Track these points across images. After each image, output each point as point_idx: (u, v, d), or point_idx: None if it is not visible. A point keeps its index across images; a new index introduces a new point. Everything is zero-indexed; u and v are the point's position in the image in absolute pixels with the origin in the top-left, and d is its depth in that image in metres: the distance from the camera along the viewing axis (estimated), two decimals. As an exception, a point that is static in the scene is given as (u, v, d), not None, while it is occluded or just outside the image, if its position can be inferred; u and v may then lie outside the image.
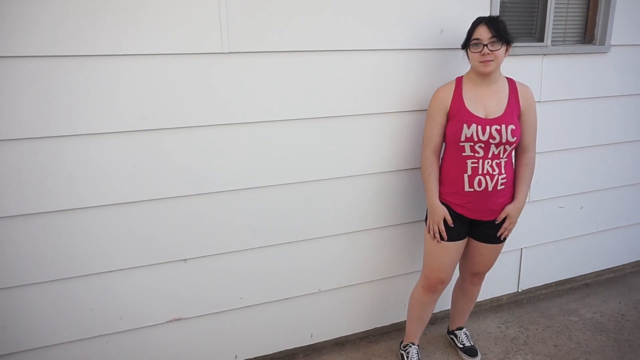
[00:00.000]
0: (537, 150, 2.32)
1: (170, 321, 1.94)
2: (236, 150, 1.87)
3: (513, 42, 1.83)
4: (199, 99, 1.76)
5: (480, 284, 2.12)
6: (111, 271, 1.81)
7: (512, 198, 1.91)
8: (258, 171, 1.92)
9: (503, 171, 1.83)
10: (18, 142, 1.58)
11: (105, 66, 1.61)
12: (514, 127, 1.78)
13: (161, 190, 1.79)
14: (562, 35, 2.45)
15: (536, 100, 2.30)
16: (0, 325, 1.71)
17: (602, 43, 2.42)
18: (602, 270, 2.93)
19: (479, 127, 1.78)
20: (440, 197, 1.92)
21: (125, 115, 1.68)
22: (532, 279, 2.71)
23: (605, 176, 2.68)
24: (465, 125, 1.79)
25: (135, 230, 1.80)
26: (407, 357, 2.10)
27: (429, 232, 1.93)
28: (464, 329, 2.26)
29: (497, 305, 2.67)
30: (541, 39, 2.33)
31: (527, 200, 2.02)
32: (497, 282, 2.61)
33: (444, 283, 1.98)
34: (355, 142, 2.05)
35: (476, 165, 1.83)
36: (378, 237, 2.21)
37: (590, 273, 2.90)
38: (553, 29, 2.39)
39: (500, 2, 2.23)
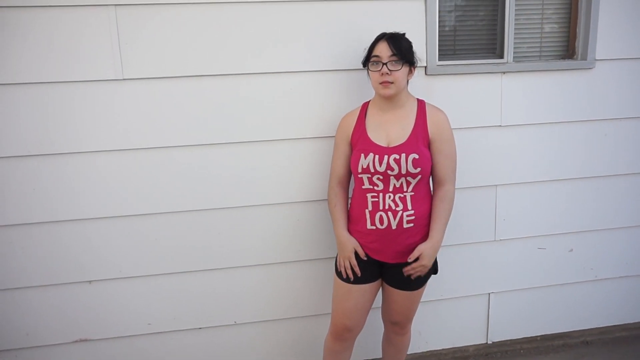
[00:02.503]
0: (500, 182, 2.05)
1: (76, 341, 1.96)
2: (140, 175, 1.85)
3: (417, 64, 1.61)
4: (96, 124, 1.78)
5: (404, 334, 1.86)
6: (17, 288, 1.87)
7: (427, 237, 1.65)
8: (163, 196, 1.89)
9: (409, 207, 1.59)
10: None
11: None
12: (416, 157, 1.55)
13: (64, 213, 1.83)
14: (538, 50, 2.12)
15: (496, 124, 2.02)
16: None
17: (584, 58, 2.05)
18: (608, 327, 2.43)
19: (376, 156, 1.57)
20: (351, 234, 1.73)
21: (24, 139, 1.75)
22: (507, 330, 2.33)
23: (601, 215, 2.24)
24: (362, 155, 1.60)
25: (39, 250, 1.85)
26: (319, 408, 1.90)
27: (340, 269, 1.72)
28: (395, 381, 1.99)
29: (462, 356, 2.33)
30: (502, 55, 2.03)
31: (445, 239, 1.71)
32: (460, 330, 2.28)
33: (350, 331, 1.76)
34: (268, 170, 1.93)
35: (376, 200, 1.61)
36: (298, 271, 2.05)
37: (592, 329, 2.42)
38: (526, 43, 2.09)
39: (455, 16, 2.00)
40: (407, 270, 1.63)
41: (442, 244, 1.67)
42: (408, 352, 2.22)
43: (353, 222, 1.70)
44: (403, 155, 1.55)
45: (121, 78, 1.75)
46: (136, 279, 1.94)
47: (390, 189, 1.60)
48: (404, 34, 1.62)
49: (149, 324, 2.00)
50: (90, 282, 1.92)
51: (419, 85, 1.94)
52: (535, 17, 2.08)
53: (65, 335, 1.95)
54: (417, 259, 1.62)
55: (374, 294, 1.76)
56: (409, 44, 1.59)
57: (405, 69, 1.56)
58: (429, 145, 1.61)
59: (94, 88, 1.75)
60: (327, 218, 2.00)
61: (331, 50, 1.86)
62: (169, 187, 1.88)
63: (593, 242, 2.27)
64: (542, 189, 2.16)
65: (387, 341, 1.91)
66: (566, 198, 2.19)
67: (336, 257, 1.77)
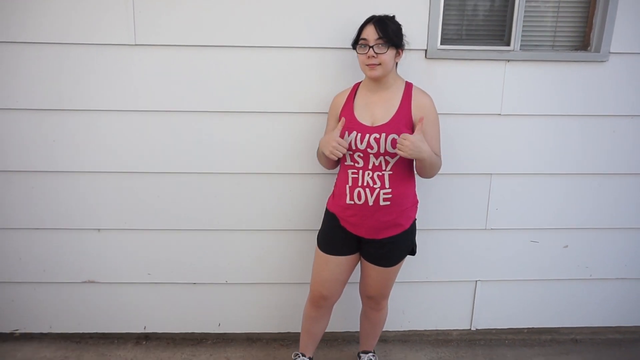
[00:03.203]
0: (495, 171, 2.06)
1: (85, 282, 2.18)
2: (146, 136, 2.00)
3: (404, 47, 1.63)
4: (110, 85, 1.93)
5: (379, 309, 1.93)
6: (37, 229, 2.10)
7: (404, 217, 1.71)
8: (167, 157, 2.03)
9: (387, 185, 1.65)
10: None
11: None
12: (396, 137, 1.59)
13: (82, 165, 2.02)
14: (551, 39, 2.06)
15: (496, 112, 2.01)
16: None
17: (598, 50, 1.97)
18: (600, 328, 2.39)
19: (359, 134, 1.63)
20: (330, 206, 1.81)
21: (44, 95, 1.93)
22: (493, 319, 2.35)
23: (600, 213, 2.18)
24: (346, 132, 1.66)
25: (55, 198, 2.05)
26: (294, 367, 2.03)
27: (332, 154, 1.62)
28: (370, 354, 2.07)
29: (444, 339, 2.38)
30: (509, 43, 1.99)
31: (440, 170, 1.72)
32: (444, 313, 2.32)
33: (326, 299, 1.85)
34: (269, 139, 2.03)
35: (356, 176, 1.68)
36: (288, 240, 2.16)
37: (583, 328, 2.39)
38: (539, 32, 2.03)
39: (465, 2, 1.97)
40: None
41: (430, 228, 1.94)
42: (390, 329, 2.32)
43: (336, 196, 1.78)
44: (383, 134, 1.60)
45: (134, 43, 1.88)
46: (138, 232, 2.11)
47: (370, 167, 1.65)
48: (393, 17, 1.64)
49: (149, 273, 2.18)
50: (99, 230, 2.11)
51: (418, 68, 1.96)
52: (550, 6, 2.01)
53: (76, 275, 2.17)
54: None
55: (351, 267, 1.84)
56: (397, 27, 1.61)
57: (391, 52, 1.59)
58: (412, 127, 1.64)
59: (109, 51, 1.89)
60: (319, 191, 2.09)
61: (332, 28, 1.90)
62: (173, 149, 2.02)
63: (589, 240, 2.22)
64: (540, 182, 2.13)
65: (364, 315, 1.99)
66: (564, 193, 2.15)
67: (319, 230, 1.86)
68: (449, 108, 2.00)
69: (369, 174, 1.66)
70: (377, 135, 1.60)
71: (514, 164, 2.10)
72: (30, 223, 2.08)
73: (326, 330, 2.19)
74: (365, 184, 1.66)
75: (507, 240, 2.21)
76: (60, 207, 2.06)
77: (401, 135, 1.54)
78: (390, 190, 1.65)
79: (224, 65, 1.93)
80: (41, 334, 2.26)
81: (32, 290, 2.18)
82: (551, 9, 2.01)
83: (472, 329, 2.36)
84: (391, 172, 1.65)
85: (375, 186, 1.65)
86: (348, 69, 1.92)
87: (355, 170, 1.68)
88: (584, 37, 2.03)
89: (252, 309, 2.26)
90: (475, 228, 2.18)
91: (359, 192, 1.67)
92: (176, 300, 2.23)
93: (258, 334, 2.32)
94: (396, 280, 2.13)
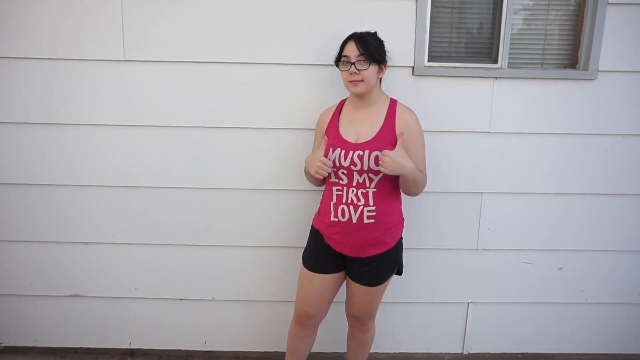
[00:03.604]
0: (486, 190, 2.05)
1: (72, 295, 2.17)
2: (135, 150, 2.02)
3: (387, 62, 1.64)
4: (100, 100, 1.96)
5: (365, 330, 1.87)
6: (24, 241, 2.10)
7: (388, 235, 1.68)
8: (159, 173, 2.04)
9: (371, 203, 1.63)
10: None
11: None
12: (379, 154, 1.58)
13: (71, 178, 2.04)
14: (540, 57, 2.05)
15: (485, 130, 1.99)
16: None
17: (586, 68, 1.96)
18: (598, 355, 2.30)
19: (342, 151, 1.62)
20: (315, 223, 1.79)
21: (34, 109, 1.96)
22: (486, 343, 2.28)
23: (595, 235, 2.13)
24: (331, 149, 1.66)
25: (42, 210, 2.07)
26: (277, 387, 1.98)
27: (317, 173, 1.62)
28: (358, 376, 2.02)
29: (436, 363, 2.31)
30: (496, 60, 1.99)
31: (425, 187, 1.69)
32: (435, 335, 2.26)
33: (310, 318, 1.82)
34: (256, 155, 2.03)
35: (340, 193, 1.66)
36: (276, 257, 2.14)
37: (580, 354, 2.31)
38: (528, 50, 2.04)
39: (453, 19, 2.00)
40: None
41: (420, 247, 1.98)
42: (380, 350, 2.26)
43: (321, 213, 1.76)
44: (367, 152, 1.59)
45: (123, 59, 1.92)
46: (126, 246, 2.11)
47: (354, 184, 1.64)
48: (374, 33, 1.66)
49: (136, 288, 2.17)
50: (86, 243, 2.11)
51: (406, 84, 1.96)
52: (538, 23, 2.02)
53: (62, 289, 2.16)
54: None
55: (336, 286, 1.80)
56: (378, 43, 1.62)
57: (374, 68, 1.60)
58: (395, 144, 1.63)
59: (99, 67, 1.93)
60: (306, 207, 2.07)
61: (319, 45, 1.92)
62: (161, 163, 2.03)
63: (585, 262, 2.17)
64: (532, 202, 2.09)
65: (350, 336, 1.95)
66: (557, 213, 2.11)
67: (305, 247, 1.83)
68: (437, 125, 1.99)
69: (353, 191, 1.64)
70: (361, 152, 1.60)
71: (505, 182, 2.07)
72: (18, 235, 2.09)
73: (314, 351, 2.16)
74: (349, 201, 1.65)
75: (500, 261, 2.17)
76: (47, 220, 2.08)
77: (382, 152, 1.53)
78: (374, 207, 1.63)
79: (212, 81, 1.96)
80: (26, 347, 2.25)
81: (17, 304, 2.18)
82: (539, 26, 2.01)
83: (465, 352, 2.29)
84: (375, 190, 1.63)
85: (359, 203, 1.63)
86: (335, 85, 1.93)
87: (340, 187, 1.66)
88: (572, 55, 2.03)
89: (239, 327, 2.23)
90: (467, 248, 2.14)
91: (342, 210, 1.66)
92: (162, 315, 2.21)
93: (245, 352, 2.28)
94: (386, 300, 2.11)
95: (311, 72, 1.95)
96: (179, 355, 2.27)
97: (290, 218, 2.09)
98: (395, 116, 1.64)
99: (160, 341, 2.24)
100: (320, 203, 1.78)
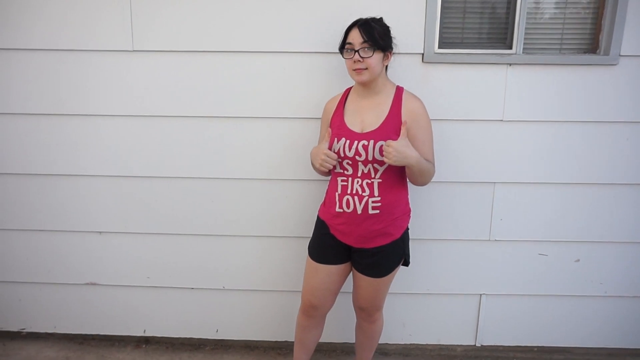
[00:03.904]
0: (499, 180, 2.00)
1: (87, 284, 2.23)
2: (144, 140, 2.04)
3: (392, 49, 1.59)
4: (108, 90, 1.99)
5: (373, 321, 1.86)
6: (42, 230, 2.17)
7: (393, 226, 1.66)
8: (168, 162, 2.06)
9: (376, 193, 1.60)
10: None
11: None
12: (383, 144, 1.54)
13: (83, 168, 2.08)
14: (559, 42, 1.97)
15: (498, 118, 1.93)
16: (-34, 257, 2.23)
17: (607, 53, 1.87)
18: (617, 349, 2.23)
19: (347, 141, 1.60)
20: (320, 214, 1.78)
21: (42, 100, 2.00)
22: (500, 335, 2.24)
23: (615, 226, 2.05)
24: (335, 139, 1.63)
25: (57, 200, 2.12)
26: (285, 376, 2.00)
27: (322, 166, 1.62)
28: (366, 367, 2.01)
29: (448, 355, 2.28)
30: (511, 46, 1.92)
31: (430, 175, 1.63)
32: (447, 327, 2.23)
33: (316, 309, 1.81)
34: (263, 145, 2.03)
35: (345, 183, 1.64)
36: (285, 246, 2.14)
37: (598, 349, 2.24)
38: (546, 35, 1.96)
39: (466, 5, 1.93)
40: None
41: (431, 238, 1.97)
42: (390, 342, 2.25)
43: (326, 204, 1.75)
44: (371, 141, 1.56)
45: (131, 49, 1.93)
46: (137, 235, 2.15)
47: (359, 174, 1.62)
48: (380, 19, 1.61)
49: (148, 277, 2.21)
50: (100, 232, 2.16)
51: (415, 72, 1.92)
52: (556, 8, 1.93)
53: (78, 277, 2.22)
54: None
55: (342, 277, 1.79)
56: (384, 30, 1.58)
57: (378, 55, 1.56)
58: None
59: (106, 57, 1.95)
60: (314, 197, 2.06)
61: (325, 32, 1.88)
62: (170, 153, 2.05)
63: (604, 255, 2.09)
64: (547, 192, 2.03)
65: (359, 327, 1.94)
66: (574, 204, 2.04)
67: (311, 237, 1.83)
68: (448, 114, 1.94)
69: (358, 181, 1.62)
70: (366, 142, 1.57)
71: (519, 172, 2.01)
72: (36, 224, 2.15)
73: (324, 341, 2.17)
74: (354, 191, 1.62)
75: (513, 252, 2.11)
76: (62, 210, 2.13)
77: (385, 142, 1.50)
78: (379, 198, 1.61)
79: (219, 70, 1.95)
80: (46, 333, 2.32)
81: (37, 291, 2.25)
82: (557, 11, 1.93)
83: (478, 345, 2.25)
84: (380, 180, 1.60)
85: (364, 194, 1.61)
86: (343, 74, 1.90)
87: (345, 178, 1.64)
88: (592, 39, 1.93)
89: (249, 316, 2.25)
90: (479, 239, 2.10)
91: (347, 200, 1.64)
92: (175, 304, 2.25)
93: (256, 341, 2.30)
94: (396, 291, 2.11)
95: (318, 60, 1.92)
96: (191, 343, 2.31)
97: (299, 208, 2.08)
98: (401, 105, 1.60)
99: (173, 329, 2.29)
100: (326, 193, 1.77)
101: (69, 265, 2.20)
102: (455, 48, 1.93)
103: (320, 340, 2.02)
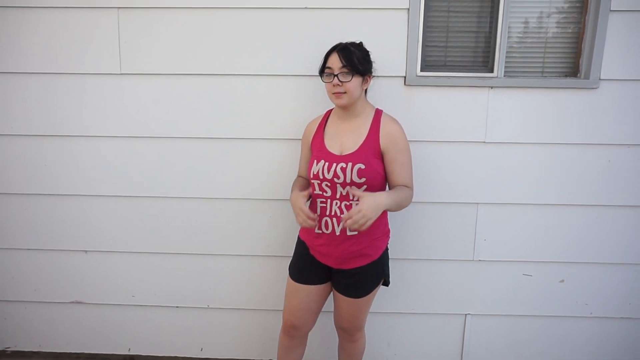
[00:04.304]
0: (482, 200, 2.03)
1: (73, 302, 2.23)
2: (134, 161, 2.06)
3: (371, 73, 1.62)
4: (98, 112, 2.02)
5: (354, 341, 1.86)
6: (28, 249, 2.18)
7: (372, 248, 1.67)
8: (155, 182, 2.08)
9: (354, 215, 1.61)
10: None
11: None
12: (362, 167, 1.56)
13: (71, 187, 2.09)
14: (540, 66, 1.99)
15: (480, 140, 1.95)
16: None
17: (588, 77, 1.90)
18: (605, 371, 2.22)
19: (326, 164, 1.62)
20: (301, 234, 1.79)
21: (37, 121, 2.03)
22: (485, 356, 2.23)
23: (597, 247, 2.06)
24: (315, 162, 1.65)
25: (47, 218, 2.13)
26: (268, 397, 1.98)
27: (302, 225, 1.60)
28: (350, 388, 2.00)
29: (434, 375, 2.27)
30: (492, 69, 1.95)
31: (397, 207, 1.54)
32: (432, 348, 2.22)
33: (297, 329, 1.81)
34: (248, 166, 2.05)
35: (324, 205, 1.66)
36: (268, 266, 2.15)
37: (586, 370, 2.23)
38: (525, 59, 1.99)
39: (449, 29, 1.96)
40: (344, 217, 1.45)
41: (415, 258, 1.97)
42: (375, 361, 2.23)
43: (308, 224, 1.76)
44: (350, 164, 1.58)
45: (119, 72, 1.96)
46: (124, 254, 2.16)
47: (337, 196, 1.63)
48: (360, 43, 1.64)
49: (133, 296, 2.21)
50: (86, 251, 2.17)
51: (397, 94, 1.94)
52: (538, 32, 1.96)
53: (64, 295, 2.22)
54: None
55: (322, 297, 1.79)
56: (362, 55, 1.60)
57: (357, 80, 1.58)
58: (381, 156, 1.61)
59: (96, 80, 1.98)
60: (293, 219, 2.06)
61: (310, 57, 1.91)
62: (157, 173, 2.07)
63: (589, 275, 2.09)
64: (530, 212, 2.04)
65: (341, 347, 1.93)
66: (557, 225, 2.04)
67: (292, 257, 1.83)
68: (430, 135, 1.96)
69: (336, 203, 1.63)
70: (344, 165, 1.58)
71: (502, 193, 2.02)
72: (21, 243, 2.16)
73: (310, 360, 2.16)
74: (332, 213, 1.64)
75: (497, 272, 2.11)
76: (50, 228, 2.14)
77: (347, 213, 1.42)
78: (358, 220, 1.61)
79: (205, 92, 1.98)
80: (31, 352, 2.32)
81: (23, 309, 2.25)
82: (539, 35, 1.96)
83: (463, 365, 2.24)
84: (358, 202, 1.61)
85: (342, 216, 1.62)
86: (326, 96, 1.92)
87: (324, 200, 1.66)
88: (573, 63, 1.96)
89: (234, 335, 2.25)
90: (463, 259, 2.10)
91: (326, 222, 1.65)
92: (160, 322, 2.25)
93: (240, 360, 2.30)
94: (381, 310, 2.12)
95: (302, 83, 1.95)
96: (176, 362, 2.31)
97: (282, 228, 2.09)
98: (379, 127, 1.62)
99: (158, 347, 2.28)
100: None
101: (55, 283, 2.21)
102: (437, 71, 1.96)
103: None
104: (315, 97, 1.95)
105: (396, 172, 1.62)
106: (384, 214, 1.70)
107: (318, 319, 1.86)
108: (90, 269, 2.19)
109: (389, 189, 1.67)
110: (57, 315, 2.25)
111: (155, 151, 2.05)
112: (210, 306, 2.21)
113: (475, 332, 2.19)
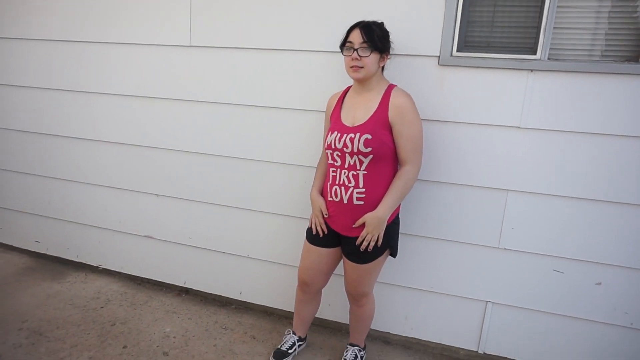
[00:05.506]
0: (512, 187, 1.99)
1: (145, 236, 2.70)
2: (195, 122, 2.42)
3: (389, 52, 1.69)
4: (171, 78, 2.39)
5: (360, 305, 1.98)
6: (114, 187, 2.69)
7: None
8: (211, 142, 2.41)
9: (361, 185, 1.73)
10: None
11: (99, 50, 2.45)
12: (369, 137, 1.66)
13: (143, 140, 2.53)
14: (600, 50, 1.84)
15: (515, 125, 1.91)
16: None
17: (645, 61, 1.70)
18: (643, 389, 2.03)
19: (338, 134, 1.75)
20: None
21: (121, 84, 2.47)
22: (505, 346, 2.18)
23: (644, 252, 1.87)
24: (330, 133, 1.79)
25: (125, 164, 2.61)
26: (282, 341, 2.21)
27: (311, 225, 1.93)
28: (356, 347, 2.13)
29: (450, 356, 2.29)
30: (535, 51, 1.85)
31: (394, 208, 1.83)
32: (449, 328, 2.24)
33: (308, 285, 2.00)
34: (287, 133, 2.26)
35: (335, 174, 1.80)
36: (299, 226, 2.34)
37: (620, 384, 2.06)
38: (584, 42, 1.85)
39: (495, 9, 1.90)
40: (358, 240, 1.76)
41: (438, 238, 2.02)
42: (392, 332, 2.34)
43: (323, 192, 1.91)
44: (357, 134, 1.68)
45: (188, 45, 2.30)
46: (185, 201, 2.55)
47: (346, 166, 1.75)
48: (381, 23, 1.71)
49: (190, 237, 2.60)
50: (157, 195, 2.60)
51: (430, 75, 1.96)
52: (589, 14, 1.79)
53: (139, 229, 2.71)
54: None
55: (332, 260, 1.94)
56: (383, 33, 1.68)
57: (375, 56, 1.67)
58: (388, 127, 1.68)
59: (168, 51, 2.34)
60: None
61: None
62: (215, 134, 2.39)
63: (631, 281, 1.91)
64: (566, 205, 1.92)
65: (350, 310, 2.07)
66: (600, 222, 1.90)
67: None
68: (460, 117, 1.95)
69: (345, 172, 1.75)
70: (352, 135, 1.69)
71: (535, 182, 1.94)
72: (110, 183, 2.68)
73: (332, 319, 2.36)
74: (341, 182, 1.77)
75: (524, 263, 2.04)
76: (128, 174, 2.61)
77: (360, 238, 1.76)
78: (364, 190, 1.72)
79: (257, 67, 2.22)
80: (115, 271, 2.87)
81: (112, 236, 2.80)
82: (591, 16, 1.79)
83: (480, 352, 2.22)
84: (365, 172, 1.72)
85: (349, 185, 1.74)
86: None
87: (335, 169, 1.79)
88: (636, 47, 1.76)
89: (268, 284, 2.52)
90: (487, 245, 2.07)
91: (335, 190, 1.79)
92: (209, 264, 2.61)
93: (272, 308, 2.56)
94: (398, 283, 2.20)
95: (335, 58, 2.06)
96: (220, 300, 2.66)
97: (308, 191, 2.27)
98: (389, 100, 1.69)
99: (207, 285, 2.66)
100: (324, 184, 1.93)
101: (133, 219, 2.70)
102: (475, 52, 1.92)
103: (329, 319, 2.29)
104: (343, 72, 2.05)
105: (402, 145, 1.69)
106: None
107: (338, 281, 2.00)
108: (160, 210, 2.63)
109: (399, 163, 1.75)
110: (134, 245, 2.75)
111: (213, 115, 2.37)
112: (250, 256, 2.50)
113: (496, 321, 2.16)
